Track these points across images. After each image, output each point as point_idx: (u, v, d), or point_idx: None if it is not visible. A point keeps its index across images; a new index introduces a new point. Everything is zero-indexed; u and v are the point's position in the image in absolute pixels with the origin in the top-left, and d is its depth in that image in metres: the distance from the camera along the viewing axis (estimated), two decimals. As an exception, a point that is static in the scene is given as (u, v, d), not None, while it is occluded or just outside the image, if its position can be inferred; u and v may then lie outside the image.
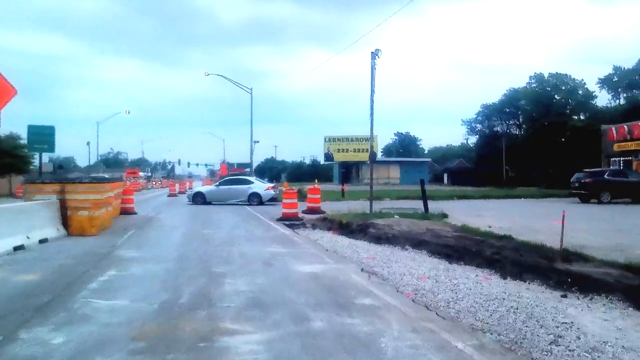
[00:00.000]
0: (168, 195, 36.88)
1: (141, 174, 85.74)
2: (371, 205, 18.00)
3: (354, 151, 32.56)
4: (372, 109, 19.26)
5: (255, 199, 24.80)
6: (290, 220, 16.41)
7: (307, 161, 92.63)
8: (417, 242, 10.38)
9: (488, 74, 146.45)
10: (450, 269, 8.04)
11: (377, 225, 12.64)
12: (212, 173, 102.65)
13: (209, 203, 25.30)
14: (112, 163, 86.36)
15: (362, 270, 8.11)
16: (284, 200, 17.60)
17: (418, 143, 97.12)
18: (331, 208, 19.84)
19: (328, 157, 31.95)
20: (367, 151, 35.89)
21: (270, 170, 77.02)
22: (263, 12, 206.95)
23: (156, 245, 11.13)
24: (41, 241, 10.84)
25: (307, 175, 74.01)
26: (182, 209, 22.80)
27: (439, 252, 9.40)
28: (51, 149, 19.23)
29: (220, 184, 26.58)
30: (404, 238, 10.90)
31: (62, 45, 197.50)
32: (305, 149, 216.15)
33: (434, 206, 17.58)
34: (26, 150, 36.01)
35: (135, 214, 19.24)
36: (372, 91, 19.35)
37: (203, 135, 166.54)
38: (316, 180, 23.64)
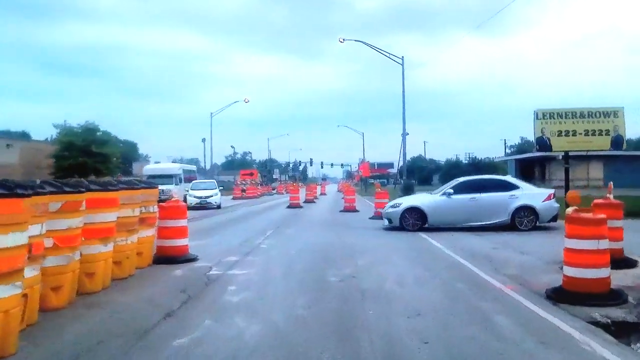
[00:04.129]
0: (287, 207, 25.36)
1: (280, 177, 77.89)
2: None
3: (585, 134, 18.77)
4: None
5: (527, 219, 13.13)
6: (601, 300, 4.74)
7: (462, 159, 77.87)
8: None
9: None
10: None
11: None
12: (349, 175, 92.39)
13: (428, 228, 13.24)
14: (238, 165, 79.12)
15: None
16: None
17: (618, 134, 75.25)
18: None
19: (542, 143, 18.67)
20: (606, 134, 21.30)
21: (420, 170, 63.78)
22: None
23: None
24: None
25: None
26: (313, 245, 11.50)
27: None
28: None
29: (455, 191, 13.74)
30: None
31: (195, 42, 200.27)
32: (457, 145, 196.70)
33: None
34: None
35: (191, 260, 8.35)
36: None
37: (337, 131, 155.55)
38: (610, 184, 10.51)
